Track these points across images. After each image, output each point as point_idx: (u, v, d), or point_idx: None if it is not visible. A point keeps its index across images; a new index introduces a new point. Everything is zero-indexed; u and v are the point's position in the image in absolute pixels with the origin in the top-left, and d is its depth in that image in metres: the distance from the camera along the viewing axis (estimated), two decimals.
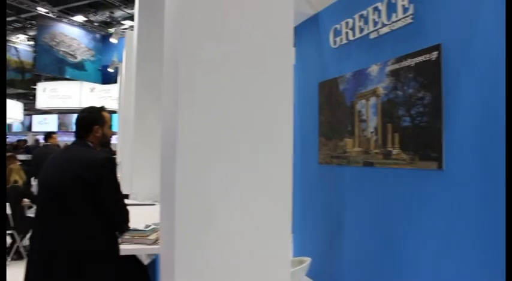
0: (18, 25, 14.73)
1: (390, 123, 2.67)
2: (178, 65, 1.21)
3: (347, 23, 3.16)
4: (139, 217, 2.81)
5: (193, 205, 1.20)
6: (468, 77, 2.11)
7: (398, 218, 2.58)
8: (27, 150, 11.88)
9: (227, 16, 1.25)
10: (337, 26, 3.30)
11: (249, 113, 1.26)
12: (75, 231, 2.22)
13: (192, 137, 1.21)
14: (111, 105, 16.01)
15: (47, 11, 12.61)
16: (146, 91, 4.19)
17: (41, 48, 12.66)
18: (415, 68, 2.46)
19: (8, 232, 4.95)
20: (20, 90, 20.08)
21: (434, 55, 2.32)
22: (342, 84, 3.24)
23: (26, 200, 5.29)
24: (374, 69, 2.84)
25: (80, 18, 13.38)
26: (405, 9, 2.57)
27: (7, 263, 4.93)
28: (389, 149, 2.67)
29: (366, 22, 2.94)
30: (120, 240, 2.33)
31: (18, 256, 5.06)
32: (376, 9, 2.83)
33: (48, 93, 18.21)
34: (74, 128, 2.56)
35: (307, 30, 3.82)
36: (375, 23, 2.85)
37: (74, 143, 2.54)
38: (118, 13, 13.19)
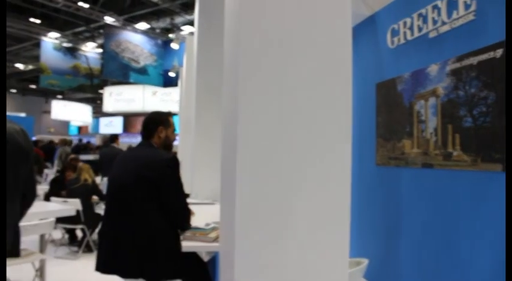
0: (87, 35, 15.69)
1: (451, 124, 2.61)
2: (238, 67, 1.24)
3: (405, 23, 3.11)
4: (200, 216, 2.94)
5: (252, 204, 1.22)
6: None
7: (458, 221, 2.51)
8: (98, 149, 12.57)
9: (286, 19, 1.26)
10: (394, 25, 3.26)
11: (309, 114, 1.27)
12: (141, 228, 2.34)
13: (252, 139, 1.23)
14: (172, 107, 16.60)
15: (113, 20, 13.33)
16: (206, 93, 4.31)
17: (107, 55, 13.39)
18: (478, 67, 2.38)
19: (79, 226, 5.30)
20: (89, 95, 21.33)
21: (498, 53, 2.24)
22: (400, 85, 3.19)
23: (94, 197, 5.64)
24: (433, 68, 2.78)
25: (143, 25, 14.02)
26: (467, 6, 2.50)
27: (79, 254, 5.28)
28: (450, 150, 2.61)
29: (425, 21, 2.88)
30: (182, 237, 2.41)
31: (88, 249, 5.40)
32: (435, 7, 2.77)
33: (114, 97, 19.22)
34: (137, 130, 2.72)
35: (364, 31, 3.79)
36: (435, 22, 2.79)
37: (139, 144, 2.69)
38: (178, 19, 13.68)
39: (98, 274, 2.43)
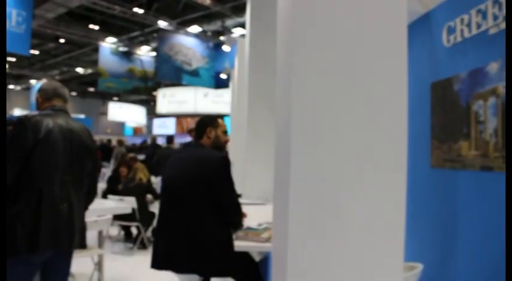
0: (142, 39, 16.26)
1: None
2: (291, 69, 1.23)
3: (462, 20, 2.99)
4: (252, 216, 2.96)
5: (306, 206, 1.22)
6: None
7: None
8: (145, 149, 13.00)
9: (340, 18, 1.25)
10: (451, 23, 3.15)
11: (363, 115, 1.25)
12: (195, 226, 2.41)
13: (306, 139, 1.23)
14: (223, 109, 16.85)
15: (167, 24, 13.74)
16: (258, 95, 4.35)
17: (161, 58, 13.77)
18: None
19: (134, 224, 5.51)
20: (143, 97, 22.10)
21: None
22: (456, 85, 3.08)
23: (149, 196, 5.83)
24: (493, 67, 2.66)
25: (195, 28, 14.34)
26: None
27: (134, 251, 5.48)
28: None
29: (485, 17, 2.76)
30: (234, 237, 2.45)
31: (142, 246, 5.59)
32: (496, 1, 2.65)
33: (167, 99, 19.78)
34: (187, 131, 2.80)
35: (418, 30, 3.68)
36: (495, 17, 2.67)
37: (190, 144, 2.78)
38: (229, 22, 13.87)
39: (153, 270, 2.52)
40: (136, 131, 27.26)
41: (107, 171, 9.77)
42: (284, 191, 1.28)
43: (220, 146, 2.74)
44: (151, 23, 13.92)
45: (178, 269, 2.45)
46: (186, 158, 2.60)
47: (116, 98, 27.03)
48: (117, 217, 5.05)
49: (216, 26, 14.28)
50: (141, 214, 5.41)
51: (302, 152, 1.22)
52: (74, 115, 20.56)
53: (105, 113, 25.84)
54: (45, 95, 2.52)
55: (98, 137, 19.45)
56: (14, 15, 9.11)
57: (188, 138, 9.29)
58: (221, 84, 14.75)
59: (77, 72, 21.49)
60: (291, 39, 1.26)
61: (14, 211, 2.14)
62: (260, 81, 4.36)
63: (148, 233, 5.84)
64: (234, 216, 2.50)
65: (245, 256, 2.55)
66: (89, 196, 2.60)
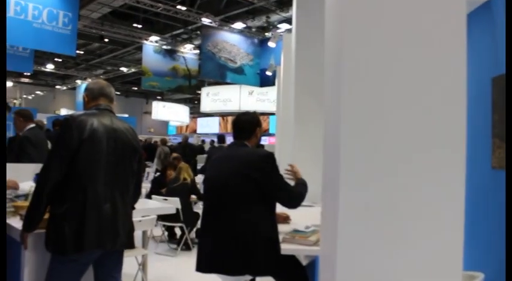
0: (185, 36, 16.37)
1: None
2: (342, 66, 1.18)
3: None
4: (299, 218, 2.88)
5: (357, 209, 1.17)
6: None
7: None
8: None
9: (393, 11, 1.18)
10: None
11: (419, 113, 1.19)
12: (243, 225, 2.37)
13: (357, 139, 1.18)
14: (269, 107, 16.72)
15: (210, 21, 13.71)
16: (306, 93, 4.19)
17: (205, 55, 13.80)
18: None
19: (178, 224, 5.44)
20: (187, 95, 22.33)
21: None
22: None
23: (193, 196, 5.75)
24: None
25: (239, 25, 14.23)
26: None
27: (177, 252, 5.42)
28: None
29: None
30: (281, 239, 2.38)
31: (186, 247, 5.52)
32: None
33: (211, 97, 19.84)
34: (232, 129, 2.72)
35: (478, 20, 3.37)
36: None
37: (233, 144, 2.71)
38: (274, 17, 13.69)
39: (197, 272, 2.49)
40: (179, 130, 27.64)
41: (150, 170, 9.88)
42: (333, 193, 1.24)
43: (258, 144, 2.70)
44: (195, 20, 13.94)
45: (224, 271, 2.40)
46: (232, 157, 2.57)
47: (159, 97, 27.49)
48: (161, 218, 5.01)
49: (260, 21, 14.11)
50: (185, 215, 5.32)
51: (353, 153, 1.18)
52: (117, 115, 21.02)
53: (148, 112, 26.38)
54: (91, 95, 2.54)
55: (141, 137, 19.90)
56: (60, 17, 9.21)
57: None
58: (266, 81, 14.62)
59: (121, 72, 21.97)
60: (340, 37, 1.20)
61: (61, 210, 2.18)
62: (308, 78, 4.21)
63: (193, 234, 5.78)
64: (290, 199, 2.51)
65: (292, 259, 2.51)
66: (134, 196, 2.60)
